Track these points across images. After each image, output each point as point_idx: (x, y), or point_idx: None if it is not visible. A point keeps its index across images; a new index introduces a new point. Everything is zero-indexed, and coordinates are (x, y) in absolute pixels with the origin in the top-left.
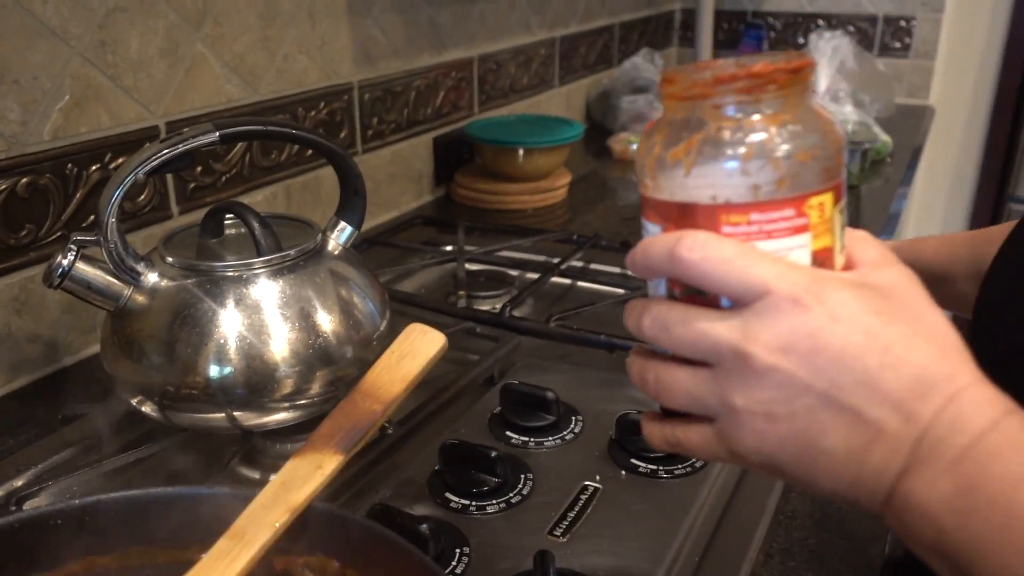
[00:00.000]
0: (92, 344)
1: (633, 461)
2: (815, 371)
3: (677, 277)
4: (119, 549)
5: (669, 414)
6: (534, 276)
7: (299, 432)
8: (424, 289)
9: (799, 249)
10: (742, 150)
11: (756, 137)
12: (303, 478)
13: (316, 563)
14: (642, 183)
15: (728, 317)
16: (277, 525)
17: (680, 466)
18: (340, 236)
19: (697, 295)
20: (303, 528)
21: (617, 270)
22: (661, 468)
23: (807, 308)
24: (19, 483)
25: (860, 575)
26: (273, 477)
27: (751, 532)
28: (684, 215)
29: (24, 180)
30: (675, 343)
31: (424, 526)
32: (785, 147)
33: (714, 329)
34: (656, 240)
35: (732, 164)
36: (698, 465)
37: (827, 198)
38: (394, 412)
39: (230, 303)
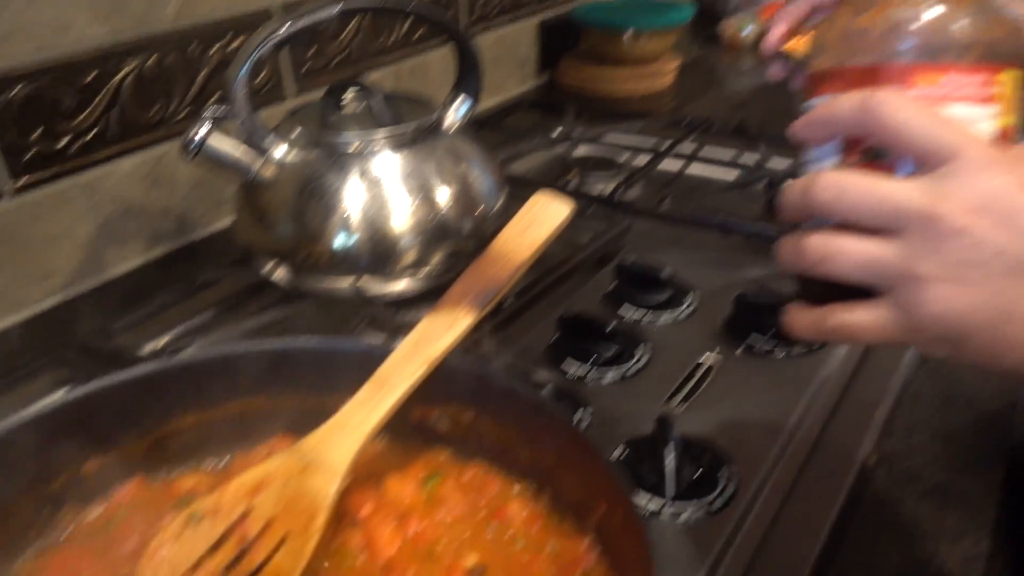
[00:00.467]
0: (219, 219)
1: (750, 339)
2: (1011, 233)
3: (866, 131)
4: (269, 393)
5: (817, 302)
6: (644, 160)
7: (420, 302)
8: (532, 173)
9: (985, 120)
10: (937, 11)
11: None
12: (438, 333)
13: (450, 413)
14: (817, 59)
15: (914, 180)
16: (416, 375)
17: (799, 345)
18: (457, 112)
19: (876, 161)
20: (438, 381)
21: (729, 155)
22: (778, 347)
23: (1002, 171)
24: (163, 341)
25: (987, 455)
26: (410, 333)
27: (873, 410)
28: (871, 77)
29: (151, 60)
30: (852, 208)
31: (547, 388)
32: (981, 15)
33: (899, 191)
34: (844, 97)
35: (925, 23)
36: (815, 347)
37: (1017, 75)
38: (513, 284)
39: (353, 176)
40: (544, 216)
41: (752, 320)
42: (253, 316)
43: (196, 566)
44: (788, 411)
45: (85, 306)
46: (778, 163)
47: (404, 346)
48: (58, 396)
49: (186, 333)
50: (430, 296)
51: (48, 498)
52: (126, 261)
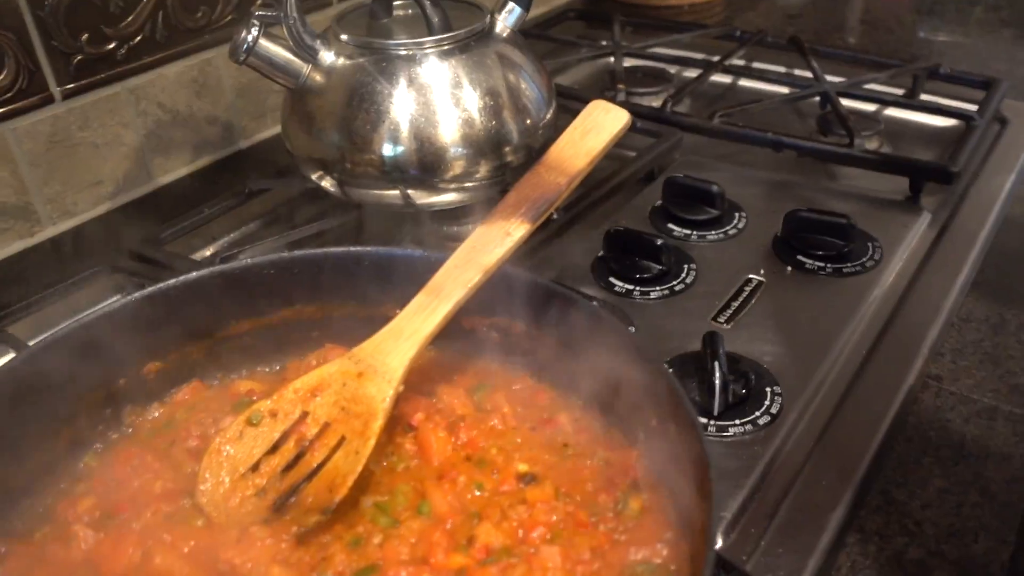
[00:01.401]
0: (263, 129)
1: (800, 258)
2: None
3: None
4: (321, 302)
5: None
6: (694, 73)
7: (466, 215)
8: (579, 85)
9: None
10: None
11: None
12: (493, 242)
13: (502, 323)
14: None
15: None
16: (470, 284)
17: (849, 265)
18: (508, 18)
19: None
20: (490, 291)
21: (783, 68)
22: (829, 266)
23: None
24: (211, 250)
25: None
26: (464, 242)
27: (922, 332)
28: None
29: None
30: None
31: (594, 302)
32: None
33: None
34: None
35: None
36: (868, 265)
37: None
38: (568, 194)
39: (403, 83)
40: (601, 124)
41: (802, 239)
42: (301, 226)
43: (256, 466)
44: (836, 331)
45: (135, 214)
46: (833, 78)
47: (458, 255)
48: (118, 299)
49: (234, 243)
50: (476, 209)
51: (111, 397)
52: (173, 170)
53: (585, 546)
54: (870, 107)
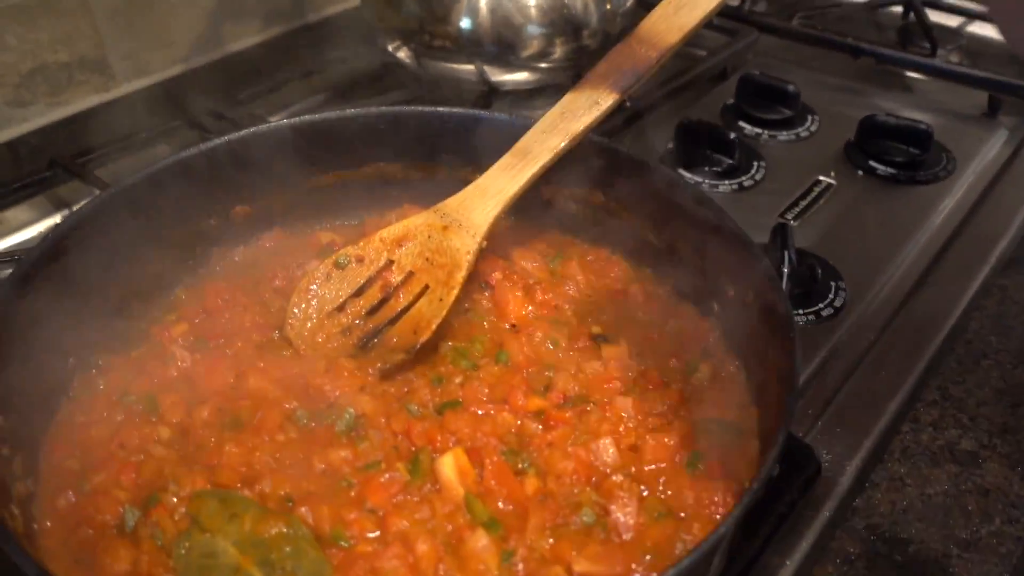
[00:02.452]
0: (333, 3)
1: (872, 163)
2: None
3: None
4: (404, 161)
5: None
6: None
7: (538, 97)
8: None
9: None
10: None
11: None
12: (581, 110)
13: (581, 194)
14: None
15: None
16: (557, 148)
17: (922, 173)
18: None
19: None
20: (572, 161)
21: None
22: (902, 173)
23: None
24: (285, 115)
25: None
26: (552, 108)
27: (992, 243)
28: None
29: None
30: None
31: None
32: None
33: None
34: None
35: None
36: (941, 175)
37: None
38: (659, 68)
39: None
40: (696, 0)
41: (876, 144)
42: (374, 97)
43: (342, 306)
44: (904, 236)
45: (207, 77)
46: None
47: (545, 120)
48: (211, 141)
49: (305, 110)
50: (549, 92)
51: (201, 236)
52: (245, 37)
53: (657, 400)
54: (953, 21)
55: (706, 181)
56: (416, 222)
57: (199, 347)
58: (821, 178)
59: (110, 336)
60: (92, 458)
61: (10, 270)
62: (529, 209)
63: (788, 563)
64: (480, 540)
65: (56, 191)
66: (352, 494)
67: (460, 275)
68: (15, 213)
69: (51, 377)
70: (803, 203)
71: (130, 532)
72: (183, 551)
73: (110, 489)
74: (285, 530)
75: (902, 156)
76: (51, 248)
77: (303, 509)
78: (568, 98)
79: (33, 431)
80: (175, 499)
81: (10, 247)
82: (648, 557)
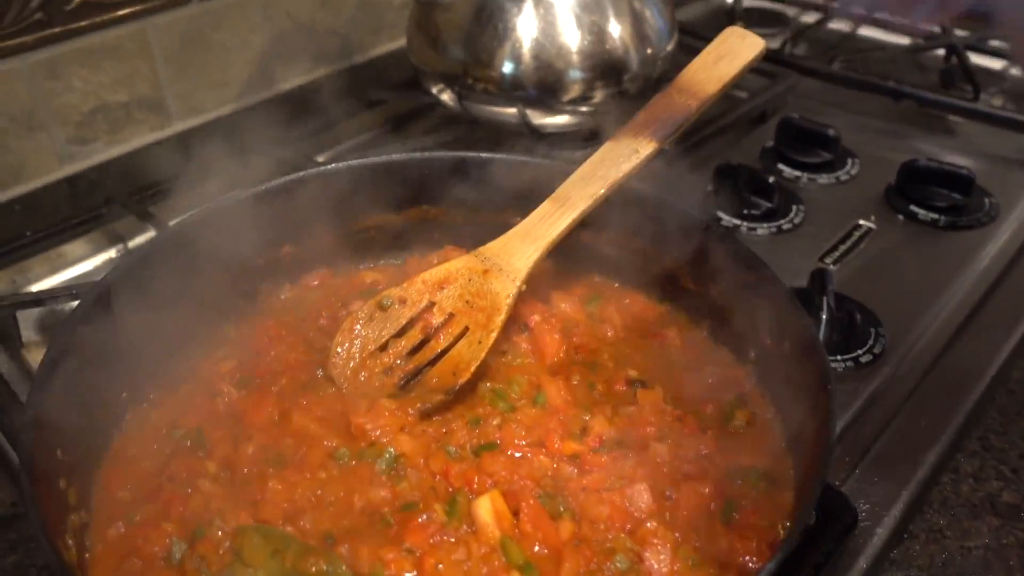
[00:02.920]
0: (378, 45)
1: (913, 208)
2: None
3: None
4: (448, 204)
5: None
6: (813, 17)
7: (577, 141)
8: (695, 22)
9: None
10: None
11: None
12: (620, 158)
13: (620, 239)
14: None
15: None
16: (596, 195)
17: (965, 218)
18: None
19: None
20: (611, 207)
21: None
22: (943, 218)
23: None
24: (332, 154)
25: None
26: (592, 156)
27: None
28: None
29: None
30: None
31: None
32: None
33: None
34: None
35: None
36: (984, 220)
37: None
38: (697, 118)
39: (529, 2)
40: (736, 51)
41: (918, 189)
42: (419, 137)
43: (384, 346)
44: (945, 282)
45: (259, 116)
46: (960, 32)
47: (585, 167)
48: (261, 185)
49: (355, 148)
50: (588, 136)
51: (249, 275)
52: (294, 77)
53: (692, 447)
54: (996, 64)
55: (744, 224)
56: (457, 265)
57: (245, 384)
58: (861, 222)
59: (161, 371)
60: (142, 490)
61: (68, 303)
62: (568, 252)
63: None
64: None
65: (112, 226)
66: (390, 533)
67: (499, 318)
68: (73, 247)
69: (106, 411)
70: (843, 247)
71: (177, 564)
72: None
73: (159, 521)
74: (325, 567)
75: (944, 201)
76: (109, 287)
77: (343, 547)
78: (608, 146)
79: (87, 463)
80: (220, 533)
81: (67, 281)
82: None
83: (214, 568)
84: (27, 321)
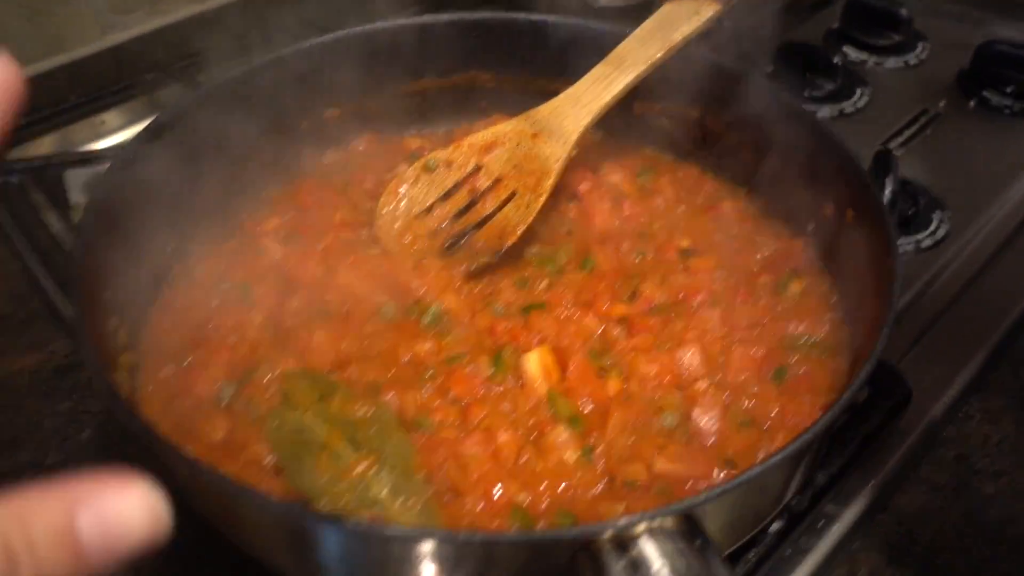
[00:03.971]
0: None
1: (986, 94)
2: None
3: None
4: (498, 69)
5: None
6: None
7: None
8: None
9: None
10: None
11: None
12: (681, 20)
13: (675, 109)
14: None
15: None
16: (653, 58)
17: None
18: None
19: None
20: (667, 74)
21: None
22: (1017, 104)
23: None
24: None
25: None
26: (650, 17)
27: None
28: None
29: None
30: None
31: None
32: None
33: None
34: None
35: None
36: None
37: None
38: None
39: None
40: None
41: (992, 73)
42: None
43: (430, 209)
44: (1016, 171)
45: None
46: None
47: (643, 29)
48: (306, 42)
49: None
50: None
51: (293, 136)
52: None
53: (744, 314)
54: None
55: (806, 105)
56: (506, 129)
57: (290, 241)
58: (929, 108)
59: (206, 227)
60: (191, 337)
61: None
62: (620, 124)
63: (869, 486)
64: (561, 434)
65: (154, 95)
66: (436, 384)
67: (548, 182)
68: (115, 115)
69: (153, 261)
70: (908, 132)
71: (225, 405)
72: (275, 425)
73: (207, 365)
74: (372, 412)
75: (1019, 87)
76: (151, 138)
77: (389, 395)
78: (668, 7)
79: (137, 309)
80: (268, 377)
81: (109, 147)
82: (729, 462)
83: (262, 410)
84: (75, 183)
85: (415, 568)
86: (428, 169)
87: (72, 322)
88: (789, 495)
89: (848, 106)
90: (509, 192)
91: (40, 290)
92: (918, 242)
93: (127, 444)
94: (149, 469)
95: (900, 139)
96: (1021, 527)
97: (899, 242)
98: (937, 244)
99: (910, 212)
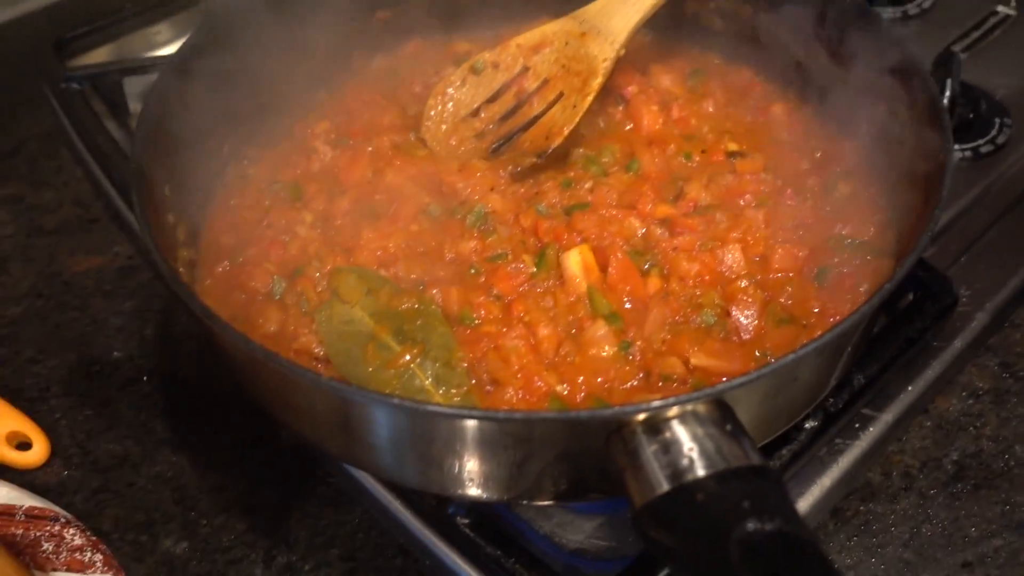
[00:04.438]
0: None
1: None
2: None
3: None
4: None
5: None
6: None
7: None
8: None
9: None
10: None
11: None
12: None
13: (728, 9)
14: None
15: None
16: None
17: None
18: None
19: None
20: None
21: None
22: None
23: None
24: None
25: None
26: None
27: None
28: None
29: None
30: None
31: None
32: None
33: None
34: None
35: None
36: None
37: None
38: None
39: None
40: None
41: None
42: None
43: (477, 111)
44: None
45: None
46: None
47: None
48: None
49: None
50: None
51: (343, 39)
52: None
53: (789, 216)
54: None
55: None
56: (553, 28)
57: (339, 144)
58: (1000, 8)
59: (258, 131)
60: (245, 236)
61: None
62: (671, 24)
63: (911, 388)
64: (600, 329)
65: (207, 3)
66: (480, 281)
67: (596, 82)
68: (169, 26)
69: (208, 162)
70: (974, 35)
71: (278, 299)
72: (324, 317)
73: (261, 262)
74: (417, 306)
75: None
76: (198, 44)
77: (434, 291)
78: None
79: (194, 208)
80: (318, 273)
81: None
82: (768, 358)
83: (312, 303)
84: (133, 92)
85: (457, 449)
86: (475, 71)
87: (135, 217)
88: (825, 392)
89: (912, 7)
90: (556, 93)
91: (102, 194)
92: (976, 148)
93: (187, 341)
94: (207, 359)
95: (965, 42)
96: None
97: (957, 148)
98: (997, 151)
99: (970, 117)
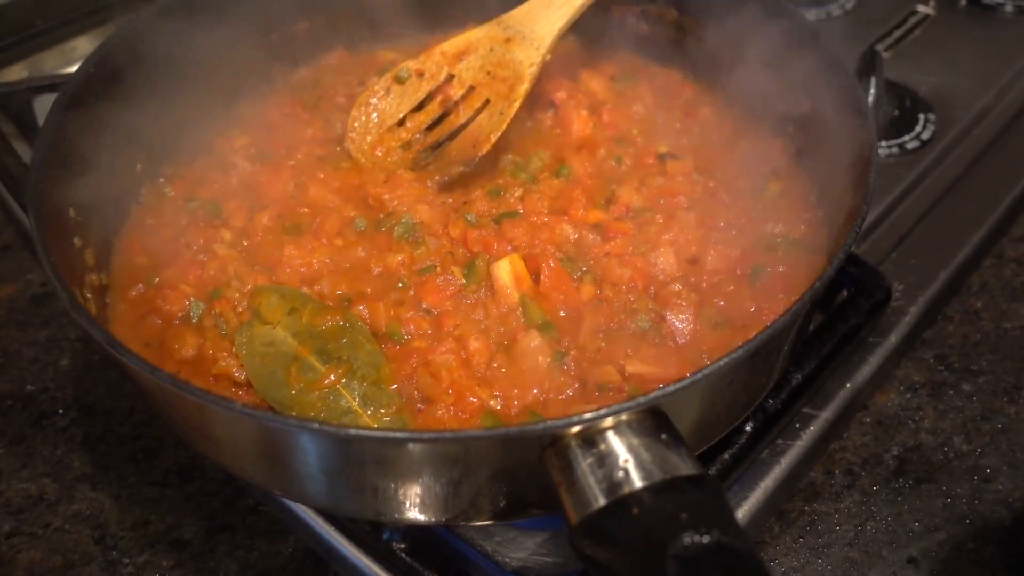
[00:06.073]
0: None
1: None
2: None
3: None
4: None
5: None
6: None
7: None
8: None
9: None
10: None
11: None
12: None
13: (654, 12)
14: None
15: None
16: None
17: None
18: None
19: None
20: None
21: None
22: (1011, 2)
23: None
24: None
25: None
26: None
27: None
28: None
29: None
30: None
31: None
32: None
33: None
34: None
35: None
36: None
37: None
38: None
39: None
40: None
41: None
42: None
43: (402, 121)
44: (1004, 71)
45: None
46: None
47: None
48: None
49: None
50: None
51: (263, 51)
52: None
53: (722, 216)
54: None
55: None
56: (478, 35)
57: (260, 158)
58: (919, 8)
59: (174, 148)
60: (160, 256)
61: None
62: (597, 28)
63: (849, 385)
64: (533, 340)
65: (123, 19)
66: (408, 295)
67: (522, 88)
68: (84, 41)
69: (119, 182)
70: (896, 33)
71: (195, 322)
72: (245, 340)
73: (177, 284)
74: (342, 323)
75: None
76: (110, 56)
77: (360, 308)
78: None
79: (106, 230)
80: (238, 294)
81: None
82: (704, 361)
83: (232, 325)
84: (43, 111)
85: (387, 473)
86: (399, 80)
87: (33, 240)
88: (763, 393)
89: (835, 8)
90: (483, 100)
91: (13, 220)
92: (902, 144)
93: (106, 370)
94: (127, 389)
95: (888, 40)
96: (996, 423)
97: (883, 144)
98: (922, 146)
99: (895, 114)
